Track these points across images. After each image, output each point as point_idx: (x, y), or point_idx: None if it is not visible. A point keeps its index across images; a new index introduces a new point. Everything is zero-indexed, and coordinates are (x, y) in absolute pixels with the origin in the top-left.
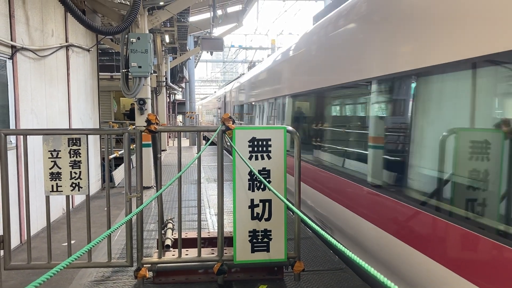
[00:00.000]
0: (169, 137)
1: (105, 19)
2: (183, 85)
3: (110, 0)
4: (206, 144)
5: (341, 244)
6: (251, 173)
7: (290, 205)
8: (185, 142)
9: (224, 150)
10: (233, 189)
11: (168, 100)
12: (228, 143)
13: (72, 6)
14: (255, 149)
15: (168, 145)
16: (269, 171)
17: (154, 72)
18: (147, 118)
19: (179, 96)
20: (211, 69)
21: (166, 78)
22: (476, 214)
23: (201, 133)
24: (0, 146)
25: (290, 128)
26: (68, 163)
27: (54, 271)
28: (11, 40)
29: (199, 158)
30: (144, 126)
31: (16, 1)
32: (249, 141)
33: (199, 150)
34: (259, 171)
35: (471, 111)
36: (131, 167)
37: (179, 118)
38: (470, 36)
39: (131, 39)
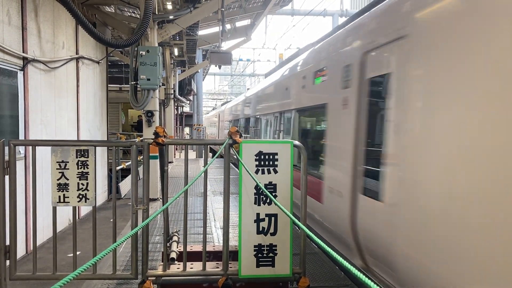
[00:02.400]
0: (176, 149)
1: (115, 32)
2: (191, 97)
3: (120, 13)
4: (213, 157)
5: (346, 260)
6: (257, 187)
7: (296, 220)
8: (191, 154)
9: (231, 163)
10: (239, 202)
11: (175, 112)
12: (235, 157)
13: (83, 19)
14: (262, 163)
15: (175, 157)
16: (275, 185)
17: (163, 84)
18: (155, 130)
19: (186, 109)
20: (219, 82)
21: (174, 91)
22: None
23: (208, 146)
24: (10, 156)
25: (297, 142)
26: (76, 174)
27: (61, 283)
28: (23, 51)
29: (206, 172)
30: (152, 139)
31: (29, 13)
32: (256, 155)
33: (205, 163)
34: (266, 185)
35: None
36: (138, 179)
37: (186, 130)
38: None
39: (141, 52)
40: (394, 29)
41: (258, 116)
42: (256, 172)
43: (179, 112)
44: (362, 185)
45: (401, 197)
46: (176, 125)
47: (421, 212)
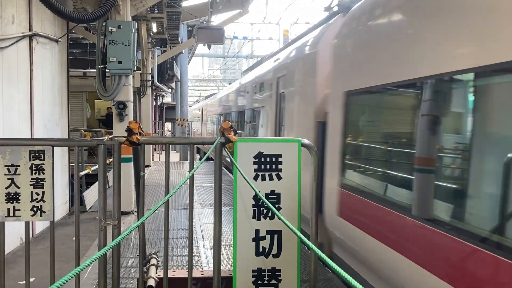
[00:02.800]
0: (155, 150)
1: (78, 2)
2: (173, 85)
3: None
4: (201, 160)
5: None
6: (256, 197)
7: (305, 238)
8: (174, 156)
9: (223, 168)
10: (234, 216)
11: (154, 103)
12: (229, 159)
13: None
14: (262, 166)
15: (153, 159)
16: (279, 194)
17: (138, 69)
18: (128, 126)
19: (168, 99)
20: (208, 65)
21: (152, 77)
22: None
23: (195, 146)
24: None
25: (306, 141)
26: (29, 181)
27: None
28: None
29: (191, 177)
30: (124, 137)
31: None
32: (255, 157)
33: (191, 167)
34: (267, 195)
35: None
36: (107, 187)
37: (168, 126)
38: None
39: (110, 28)
40: (283, 70)
41: (231, 112)
42: (255, 178)
43: (159, 103)
44: None
45: None
46: (155, 119)
47: None
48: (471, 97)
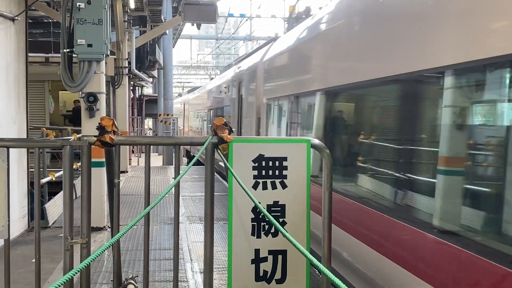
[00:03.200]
0: (133, 152)
1: None
2: (155, 73)
3: None
4: (188, 164)
5: None
6: (256, 210)
7: (315, 260)
8: (156, 160)
9: (216, 174)
10: (229, 233)
11: (132, 95)
12: (222, 164)
13: None
14: (263, 172)
15: (130, 164)
16: (283, 206)
17: (112, 53)
18: (99, 123)
19: (149, 90)
20: (197, 49)
21: (129, 63)
22: None
23: (181, 147)
24: None
25: (316, 141)
26: None
27: None
28: None
29: (177, 186)
30: (95, 136)
31: None
32: (254, 161)
33: (177, 172)
34: (269, 207)
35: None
36: (74, 198)
37: (149, 123)
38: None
39: (78, 4)
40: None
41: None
42: (254, 186)
43: (137, 95)
44: None
45: None
46: (133, 115)
47: None
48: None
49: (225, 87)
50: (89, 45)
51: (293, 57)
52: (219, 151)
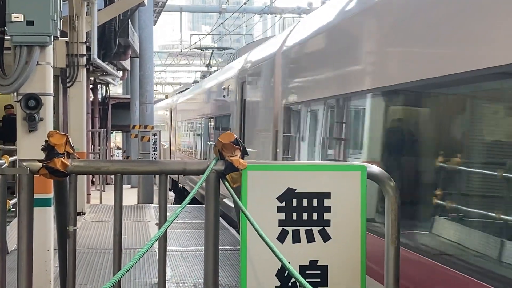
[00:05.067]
0: (92, 183)
1: None
2: (127, 64)
3: None
4: (181, 203)
5: None
6: (283, 273)
7: None
8: (130, 195)
9: (220, 218)
10: None
11: (92, 98)
12: (233, 200)
13: None
14: (294, 216)
15: (89, 202)
16: (325, 269)
17: (63, 34)
18: (46, 141)
19: (118, 90)
20: (191, 28)
21: (88, 49)
22: None
23: (168, 176)
24: None
25: (375, 167)
26: None
27: None
28: None
29: (163, 238)
30: (40, 160)
31: None
32: (280, 198)
33: (163, 217)
34: (303, 269)
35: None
36: (6, 253)
37: (116, 139)
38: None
39: None
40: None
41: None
42: (281, 238)
43: (100, 97)
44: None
45: None
46: (93, 127)
47: None
48: None
49: (223, 88)
50: (29, 23)
51: (339, 41)
52: (226, 183)
